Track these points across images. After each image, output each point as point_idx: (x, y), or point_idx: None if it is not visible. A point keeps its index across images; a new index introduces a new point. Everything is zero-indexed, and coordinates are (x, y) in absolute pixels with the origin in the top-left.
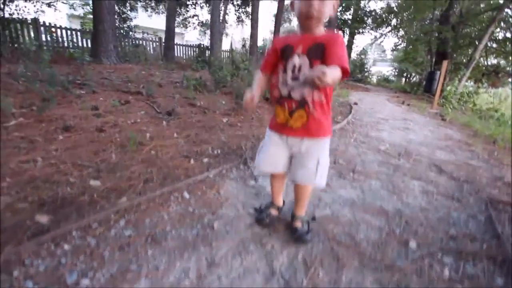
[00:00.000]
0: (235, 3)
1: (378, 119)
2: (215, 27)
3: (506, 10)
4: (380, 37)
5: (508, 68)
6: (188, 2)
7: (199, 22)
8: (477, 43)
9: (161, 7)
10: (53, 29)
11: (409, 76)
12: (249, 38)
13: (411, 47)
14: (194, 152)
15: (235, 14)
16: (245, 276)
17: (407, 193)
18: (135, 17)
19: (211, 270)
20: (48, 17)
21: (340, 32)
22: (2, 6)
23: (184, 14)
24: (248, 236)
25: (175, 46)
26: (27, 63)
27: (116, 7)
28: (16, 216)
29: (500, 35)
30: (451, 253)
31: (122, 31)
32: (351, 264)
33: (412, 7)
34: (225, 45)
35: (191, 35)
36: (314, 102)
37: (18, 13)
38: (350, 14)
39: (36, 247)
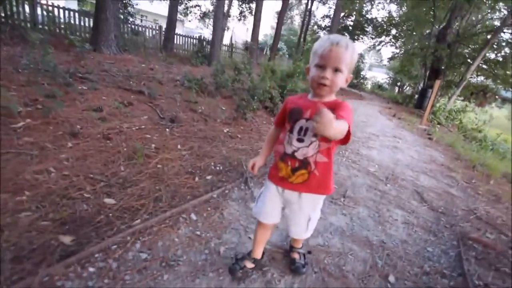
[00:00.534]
0: None
1: (369, 134)
2: (218, 23)
3: (501, 34)
4: (379, 44)
5: (495, 89)
6: None
7: (200, 13)
8: (470, 62)
9: None
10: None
11: (402, 86)
12: (249, 38)
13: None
14: (197, 168)
15: (239, 9)
16: None
17: (390, 223)
18: (137, 4)
19: None
20: None
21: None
22: None
23: (186, 3)
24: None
25: (175, 36)
26: (28, 50)
27: None
28: (41, 235)
29: (492, 56)
30: None
31: (122, 16)
32: None
33: (413, 20)
34: (225, 39)
35: (192, 23)
36: (316, 163)
37: None
38: (351, 21)
39: (64, 269)
